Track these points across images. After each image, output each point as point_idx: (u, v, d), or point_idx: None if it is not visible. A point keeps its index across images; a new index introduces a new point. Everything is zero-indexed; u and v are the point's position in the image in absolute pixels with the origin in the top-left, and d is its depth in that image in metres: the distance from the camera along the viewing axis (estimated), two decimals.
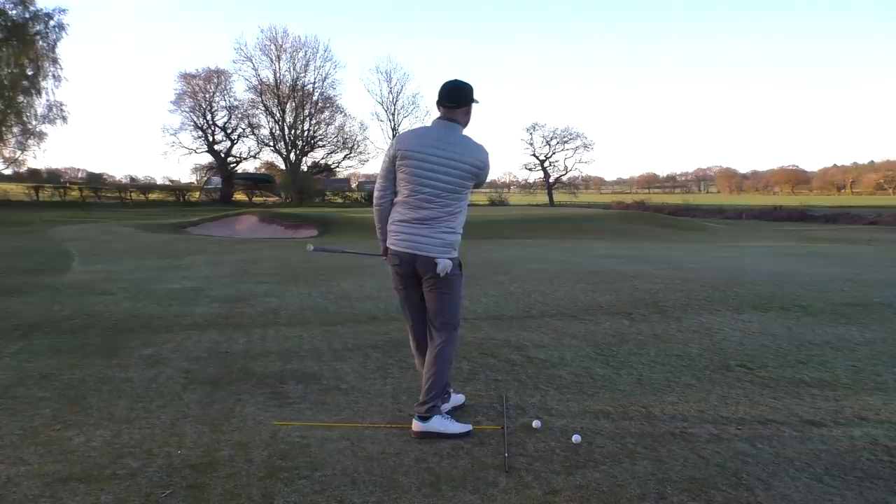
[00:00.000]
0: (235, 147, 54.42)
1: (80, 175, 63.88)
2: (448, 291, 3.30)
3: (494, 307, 6.74)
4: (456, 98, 3.24)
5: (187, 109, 52.17)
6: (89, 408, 3.64)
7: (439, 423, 3.21)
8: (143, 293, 7.70)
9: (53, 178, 54.70)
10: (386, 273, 3.72)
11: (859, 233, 23.59)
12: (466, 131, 3.31)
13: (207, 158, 54.80)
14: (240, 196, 55.02)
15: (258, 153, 55.91)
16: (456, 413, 3.49)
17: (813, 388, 4.01)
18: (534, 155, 60.23)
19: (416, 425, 3.22)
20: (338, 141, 55.85)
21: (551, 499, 2.59)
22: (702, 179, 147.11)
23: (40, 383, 4.10)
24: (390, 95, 56.01)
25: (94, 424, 3.38)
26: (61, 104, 40.35)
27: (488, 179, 3.50)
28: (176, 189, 54.27)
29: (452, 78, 3.31)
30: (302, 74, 53.17)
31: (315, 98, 53.93)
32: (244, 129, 53.84)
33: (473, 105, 3.32)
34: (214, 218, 25.77)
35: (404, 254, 3.26)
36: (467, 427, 3.27)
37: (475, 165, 3.20)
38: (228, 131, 53.60)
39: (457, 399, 3.63)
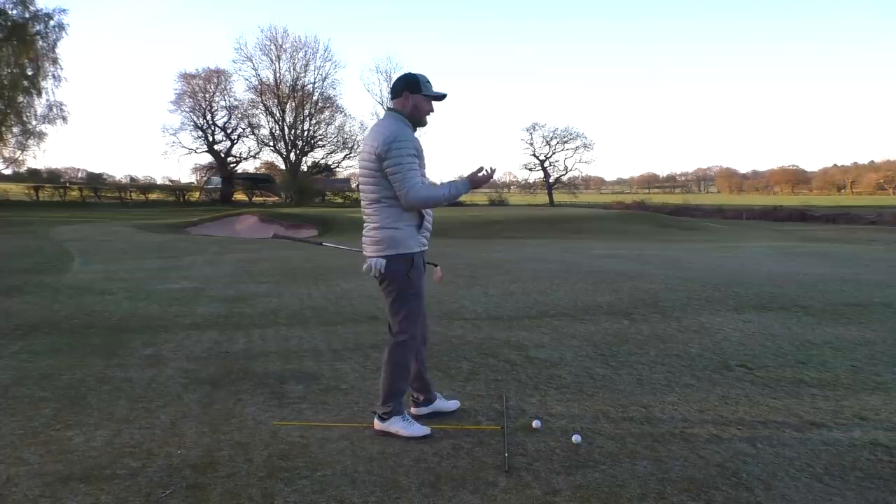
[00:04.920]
0: (235, 147, 54.45)
1: (80, 175, 63.88)
2: (388, 294, 3.26)
3: (494, 307, 6.74)
4: (391, 90, 3.30)
5: (187, 109, 52.18)
6: (89, 408, 3.64)
7: (397, 425, 3.22)
8: (143, 293, 7.70)
9: (53, 178, 54.66)
10: None
11: (859, 233, 23.59)
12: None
13: (207, 158, 54.84)
14: (240, 196, 55.00)
15: (258, 153, 55.94)
16: (455, 414, 3.51)
17: (813, 388, 4.01)
18: (534, 155, 60.16)
19: (376, 423, 3.27)
20: (338, 141, 55.75)
21: (551, 499, 2.59)
22: (702, 179, 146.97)
23: (40, 383, 4.10)
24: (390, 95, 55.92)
25: (94, 424, 3.38)
26: (61, 104, 40.38)
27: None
28: (176, 189, 54.26)
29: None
30: (302, 74, 53.18)
31: (315, 98, 53.90)
32: (244, 129, 53.86)
33: (420, 95, 3.20)
34: (214, 218, 25.80)
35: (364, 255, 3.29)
36: (425, 430, 3.23)
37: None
38: (228, 131, 53.60)
39: (447, 405, 3.58)
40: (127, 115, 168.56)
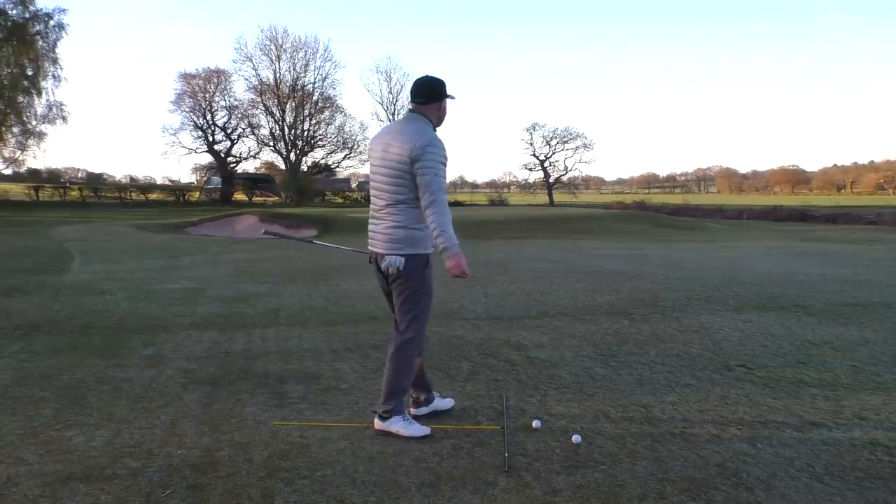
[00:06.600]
0: (235, 147, 54.45)
1: (80, 175, 64.04)
2: (402, 292, 3.24)
3: (494, 307, 6.74)
4: (423, 94, 3.21)
5: (187, 109, 52.16)
6: (89, 408, 3.65)
7: (398, 424, 3.22)
8: (143, 293, 7.70)
9: (53, 178, 54.71)
10: None
11: (859, 233, 23.57)
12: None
13: (207, 158, 54.83)
14: (240, 196, 55.01)
15: (258, 153, 55.95)
16: (455, 414, 3.51)
17: (813, 388, 4.01)
18: (534, 155, 60.07)
19: (376, 423, 3.27)
20: (338, 141, 55.77)
21: (551, 499, 2.59)
22: (702, 179, 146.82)
23: (40, 383, 4.10)
24: (390, 95, 55.85)
25: (94, 424, 3.38)
26: (61, 104, 40.37)
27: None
28: (176, 189, 54.29)
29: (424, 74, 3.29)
30: (302, 74, 53.21)
31: (315, 98, 53.93)
32: (244, 129, 53.86)
33: (448, 101, 3.29)
34: (214, 218, 25.78)
35: (370, 251, 3.30)
36: (425, 430, 3.23)
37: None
38: (228, 131, 53.58)
39: (443, 404, 3.59)
40: (127, 115, 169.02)
